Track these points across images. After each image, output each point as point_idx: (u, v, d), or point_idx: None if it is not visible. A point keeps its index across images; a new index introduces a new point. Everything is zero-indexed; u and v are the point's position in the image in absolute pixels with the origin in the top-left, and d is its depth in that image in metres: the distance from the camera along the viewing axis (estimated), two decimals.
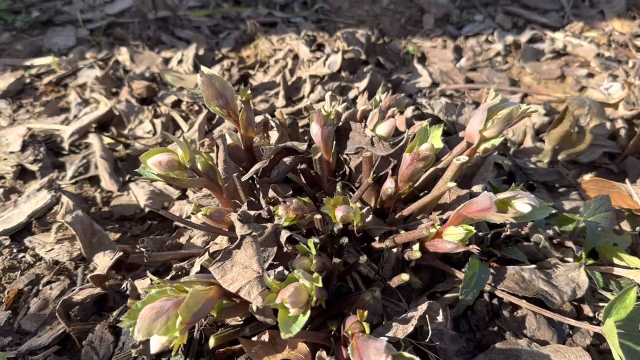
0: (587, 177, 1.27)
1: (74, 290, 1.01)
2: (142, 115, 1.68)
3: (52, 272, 1.11)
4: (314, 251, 0.77)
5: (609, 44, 2.16)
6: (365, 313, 0.71)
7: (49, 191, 1.33)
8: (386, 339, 0.61)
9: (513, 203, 0.74)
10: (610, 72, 1.88)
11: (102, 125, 1.66)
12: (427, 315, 0.79)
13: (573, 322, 0.85)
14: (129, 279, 0.94)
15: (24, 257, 1.16)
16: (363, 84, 1.68)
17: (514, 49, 2.17)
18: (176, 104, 1.75)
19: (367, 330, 0.69)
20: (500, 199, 0.74)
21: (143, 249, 0.96)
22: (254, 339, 0.83)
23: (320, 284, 0.69)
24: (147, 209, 1.27)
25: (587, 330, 0.91)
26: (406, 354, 0.58)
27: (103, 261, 1.05)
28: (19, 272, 1.12)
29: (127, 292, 0.96)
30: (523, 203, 0.73)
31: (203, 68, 0.92)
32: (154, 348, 0.62)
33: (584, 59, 2.05)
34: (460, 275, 0.91)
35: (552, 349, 0.82)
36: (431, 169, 1.01)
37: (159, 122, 1.61)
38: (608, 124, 1.53)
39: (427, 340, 0.78)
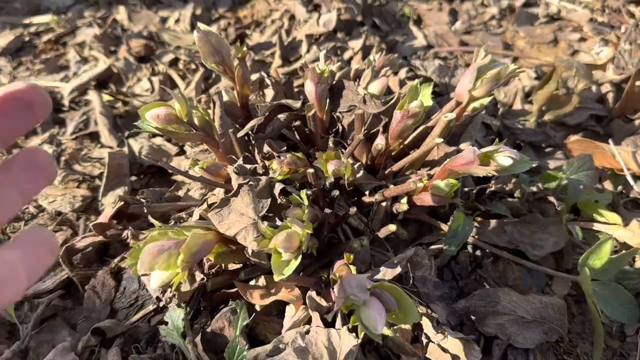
0: (573, 138, 1.31)
1: (76, 239, 1.05)
2: (140, 73, 1.70)
3: (55, 222, 1.16)
4: (306, 202, 0.80)
5: (602, 10, 2.16)
6: (352, 256, 0.75)
7: (50, 146, 1.36)
8: (368, 274, 0.65)
9: (495, 156, 0.78)
10: (602, 37, 1.90)
11: (101, 82, 1.68)
12: (413, 260, 0.84)
13: (551, 271, 0.90)
14: (130, 227, 0.98)
15: (27, 208, 1.20)
16: (358, 44, 1.69)
17: (509, 13, 2.18)
18: (173, 63, 1.77)
19: (354, 272, 0.73)
20: (482, 152, 0.78)
21: (143, 200, 1.00)
22: (251, 283, 0.88)
23: (310, 231, 0.73)
24: (146, 165, 1.30)
25: (565, 281, 0.96)
26: (386, 284, 0.62)
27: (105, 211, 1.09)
28: (23, 222, 1.17)
29: (128, 241, 1.00)
30: (504, 156, 0.77)
31: (199, 24, 0.94)
32: (155, 283, 0.67)
33: (577, 23, 2.06)
34: (445, 228, 0.96)
35: (530, 296, 0.87)
36: (421, 127, 1.04)
37: (157, 80, 1.63)
38: (597, 88, 1.56)
39: (410, 284, 0.84)
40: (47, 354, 0.85)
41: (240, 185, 0.82)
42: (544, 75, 1.59)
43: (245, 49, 1.00)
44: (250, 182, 0.83)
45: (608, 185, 1.21)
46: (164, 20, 2.09)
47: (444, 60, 1.77)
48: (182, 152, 1.34)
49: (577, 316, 0.95)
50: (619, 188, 1.19)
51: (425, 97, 0.95)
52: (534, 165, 0.82)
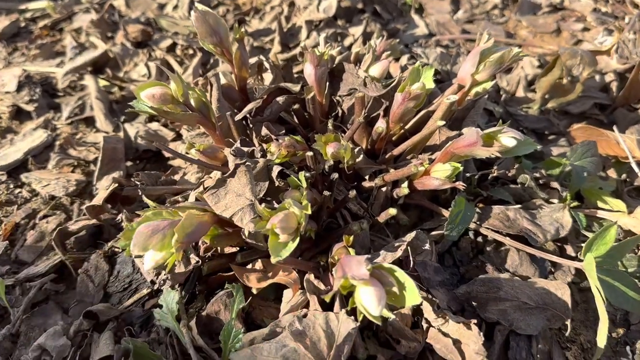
0: (576, 126, 1.29)
1: (69, 222, 1.03)
2: (137, 58, 1.68)
3: (48, 206, 1.13)
4: (304, 184, 0.78)
5: (606, 0, 2.14)
6: (351, 238, 0.73)
7: (45, 130, 1.34)
8: (368, 255, 0.63)
9: (499, 137, 0.76)
10: (606, 27, 1.88)
11: (98, 67, 1.66)
12: (413, 244, 0.82)
13: (555, 258, 0.88)
14: (124, 211, 0.96)
15: (20, 192, 1.18)
16: (358, 30, 1.67)
17: (511, 2, 2.15)
18: (171, 48, 1.75)
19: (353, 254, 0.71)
20: (486, 133, 0.76)
21: (138, 183, 0.98)
22: (248, 267, 0.86)
23: (309, 212, 0.71)
24: (141, 150, 1.28)
25: (568, 268, 0.95)
26: (385, 264, 0.60)
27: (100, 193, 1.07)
28: (16, 206, 1.14)
29: (122, 225, 0.98)
30: (508, 137, 0.75)
31: (197, 4, 0.92)
32: (149, 263, 0.64)
33: (580, 13, 2.04)
34: (446, 213, 0.94)
35: (533, 282, 0.85)
36: (422, 112, 1.02)
37: (154, 66, 1.60)
38: (601, 77, 1.54)
39: (411, 269, 0.82)
40: (38, 338, 0.83)
41: (237, 166, 0.80)
42: (547, 64, 1.57)
43: (243, 29, 0.98)
44: (248, 163, 0.81)
45: (612, 173, 1.19)
46: (161, 6, 2.06)
47: (446, 49, 1.75)
48: (178, 137, 1.32)
49: (581, 304, 0.94)
50: (623, 176, 1.17)
51: (427, 79, 0.93)
52: (537, 147, 0.81)
